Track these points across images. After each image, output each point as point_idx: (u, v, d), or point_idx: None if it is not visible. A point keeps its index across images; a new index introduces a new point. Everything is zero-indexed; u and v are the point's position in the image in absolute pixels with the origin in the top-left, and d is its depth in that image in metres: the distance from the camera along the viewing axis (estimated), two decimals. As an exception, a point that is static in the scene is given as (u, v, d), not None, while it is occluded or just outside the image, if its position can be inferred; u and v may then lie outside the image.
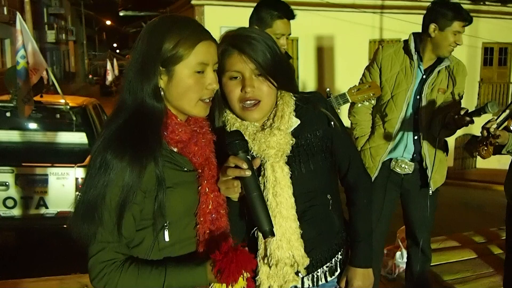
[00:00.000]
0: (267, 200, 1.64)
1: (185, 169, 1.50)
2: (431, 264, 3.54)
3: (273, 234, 1.50)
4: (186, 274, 1.43)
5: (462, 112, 2.63)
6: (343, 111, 3.04)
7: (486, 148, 2.56)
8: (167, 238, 1.47)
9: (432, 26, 2.99)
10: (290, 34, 2.84)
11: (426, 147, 3.09)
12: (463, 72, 3.11)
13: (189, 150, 1.51)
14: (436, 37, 2.99)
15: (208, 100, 1.53)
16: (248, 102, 1.64)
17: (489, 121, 2.55)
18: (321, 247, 1.81)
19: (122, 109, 1.45)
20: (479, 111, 2.59)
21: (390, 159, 3.19)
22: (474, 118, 2.62)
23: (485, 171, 12.50)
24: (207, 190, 1.53)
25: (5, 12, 22.97)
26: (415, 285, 3.39)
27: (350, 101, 2.89)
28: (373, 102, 3.03)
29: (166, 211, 1.44)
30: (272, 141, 1.64)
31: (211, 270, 1.40)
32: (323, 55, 13.77)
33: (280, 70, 1.66)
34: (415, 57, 3.06)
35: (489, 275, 4.20)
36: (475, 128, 2.80)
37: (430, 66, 3.08)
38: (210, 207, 1.53)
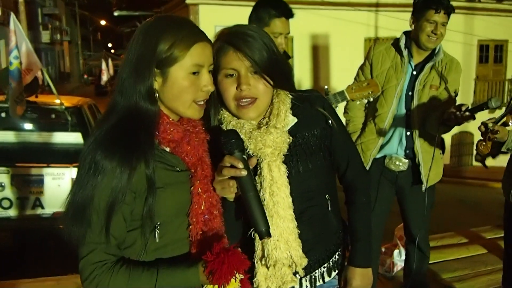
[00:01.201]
0: (264, 200, 1.62)
1: (178, 169, 1.48)
2: (429, 262, 3.53)
3: (269, 235, 1.48)
4: (178, 275, 1.41)
5: (463, 108, 2.61)
6: (340, 108, 3.03)
7: (484, 143, 2.54)
8: (157, 239, 1.45)
9: (411, 19, 3.03)
10: (288, 33, 2.83)
11: (418, 144, 3.07)
12: (456, 69, 3.09)
13: (182, 150, 1.49)
14: (414, 29, 3.02)
15: (202, 103, 1.51)
16: (244, 100, 1.62)
17: (489, 119, 2.54)
18: (319, 248, 1.79)
19: (114, 110, 1.43)
20: (481, 106, 2.57)
21: (384, 156, 3.18)
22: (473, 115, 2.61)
23: (481, 169, 12.47)
24: (200, 190, 1.50)
25: (-1, 13, 22.86)
26: (413, 283, 3.38)
27: (349, 99, 2.88)
28: (371, 100, 3.02)
29: (155, 214, 1.41)
30: (268, 139, 1.62)
31: (203, 271, 1.39)
32: (318, 54, 13.78)
33: (276, 68, 1.64)
34: (405, 53, 3.06)
35: (487, 273, 4.20)
36: (473, 125, 2.78)
37: (421, 62, 3.07)
38: (202, 208, 1.50)
